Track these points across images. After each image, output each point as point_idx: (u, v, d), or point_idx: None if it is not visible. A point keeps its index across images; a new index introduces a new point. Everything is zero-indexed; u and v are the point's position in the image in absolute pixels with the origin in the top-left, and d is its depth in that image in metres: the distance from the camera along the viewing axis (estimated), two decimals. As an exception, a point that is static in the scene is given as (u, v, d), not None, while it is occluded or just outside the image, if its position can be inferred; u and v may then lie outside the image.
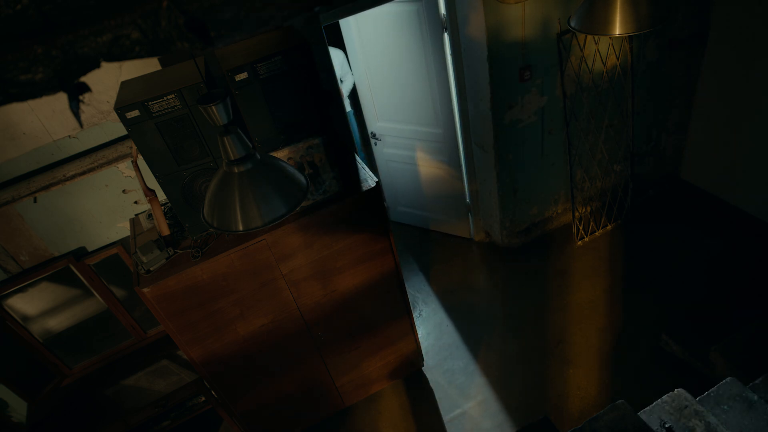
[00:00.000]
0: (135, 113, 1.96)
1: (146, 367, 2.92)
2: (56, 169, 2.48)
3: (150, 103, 1.96)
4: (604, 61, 3.34)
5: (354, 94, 4.34)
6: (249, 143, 1.41)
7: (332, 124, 2.49)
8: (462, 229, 4.26)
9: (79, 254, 2.76)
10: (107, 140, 2.55)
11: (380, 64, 3.66)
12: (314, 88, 2.21)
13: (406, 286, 2.90)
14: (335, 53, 4.22)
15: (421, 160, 4.02)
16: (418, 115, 3.75)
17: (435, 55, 3.35)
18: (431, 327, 3.67)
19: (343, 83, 4.29)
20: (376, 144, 4.12)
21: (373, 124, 4.03)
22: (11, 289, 2.65)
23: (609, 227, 4.03)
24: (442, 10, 3.12)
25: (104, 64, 0.57)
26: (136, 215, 2.70)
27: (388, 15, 3.36)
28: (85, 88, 0.60)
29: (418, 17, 3.25)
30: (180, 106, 2.01)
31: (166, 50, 0.57)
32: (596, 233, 4.01)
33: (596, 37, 3.20)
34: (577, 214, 3.97)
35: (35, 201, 2.54)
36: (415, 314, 3.72)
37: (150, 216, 2.61)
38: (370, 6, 2.92)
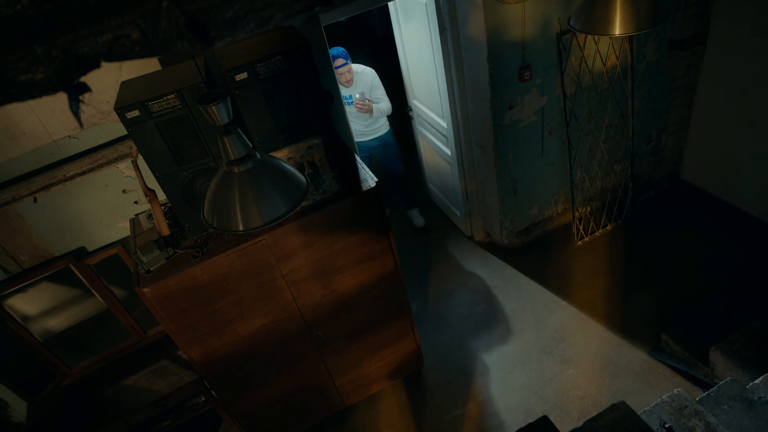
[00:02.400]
0: (135, 113, 1.96)
1: (146, 367, 2.92)
2: (56, 169, 2.48)
3: (150, 103, 1.96)
4: (604, 61, 3.34)
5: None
6: (249, 143, 1.41)
7: (332, 124, 2.49)
8: (464, 227, 4.28)
9: (79, 254, 2.76)
10: (107, 140, 2.55)
11: (411, 45, 3.81)
12: (314, 88, 2.21)
13: (406, 286, 2.90)
14: (363, 73, 3.88)
15: (434, 148, 4.13)
16: (432, 103, 3.85)
17: (437, 52, 3.36)
18: (431, 327, 3.66)
19: (378, 103, 3.94)
20: (412, 119, 4.33)
21: (410, 99, 4.25)
22: (11, 289, 2.65)
23: (609, 227, 4.03)
24: (443, 9, 3.12)
25: (104, 64, 0.57)
26: (136, 215, 2.70)
27: (413, 2, 3.42)
28: (85, 88, 0.60)
29: (426, 13, 3.27)
30: (180, 106, 2.01)
31: (166, 50, 0.57)
32: (596, 233, 4.01)
33: (596, 37, 3.20)
34: (577, 214, 3.97)
35: (35, 201, 2.54)
36: (415, 314, 3.72)
37: (150, 216, 2.61)
38: (371, 6, 2.92)
